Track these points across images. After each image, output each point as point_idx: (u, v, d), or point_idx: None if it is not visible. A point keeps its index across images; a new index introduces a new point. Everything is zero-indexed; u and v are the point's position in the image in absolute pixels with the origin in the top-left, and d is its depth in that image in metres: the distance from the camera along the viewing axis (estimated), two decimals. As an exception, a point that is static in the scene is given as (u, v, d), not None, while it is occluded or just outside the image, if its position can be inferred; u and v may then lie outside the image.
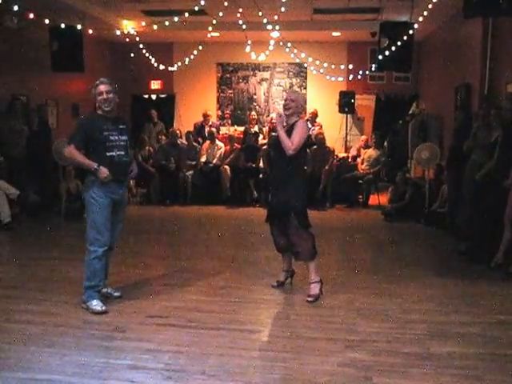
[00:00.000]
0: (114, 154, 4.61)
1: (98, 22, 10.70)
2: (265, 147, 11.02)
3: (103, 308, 4.58)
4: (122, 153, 4.68)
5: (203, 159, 11.01)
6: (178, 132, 11.48)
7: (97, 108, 4.70)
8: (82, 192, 5.01)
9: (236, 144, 11.35)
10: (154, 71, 12.04)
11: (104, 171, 4.51)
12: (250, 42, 10.54)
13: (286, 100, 5.14)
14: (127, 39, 11.25)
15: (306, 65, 13.34)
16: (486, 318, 4.59)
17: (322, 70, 11.65)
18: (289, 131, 4.95)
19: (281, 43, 10.86)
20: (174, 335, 4.12)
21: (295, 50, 11.16)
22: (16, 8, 8.03)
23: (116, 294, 5.00)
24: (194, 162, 11.03)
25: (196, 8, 9.11)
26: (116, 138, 4.64)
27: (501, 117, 6.58)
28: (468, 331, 4.28)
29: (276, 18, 9.74)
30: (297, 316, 4.66)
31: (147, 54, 11.41)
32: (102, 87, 4.61)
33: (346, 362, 3.69)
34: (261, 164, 10.86)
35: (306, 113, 4.71)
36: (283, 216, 5.03)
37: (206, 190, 10.95)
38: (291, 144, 4.85)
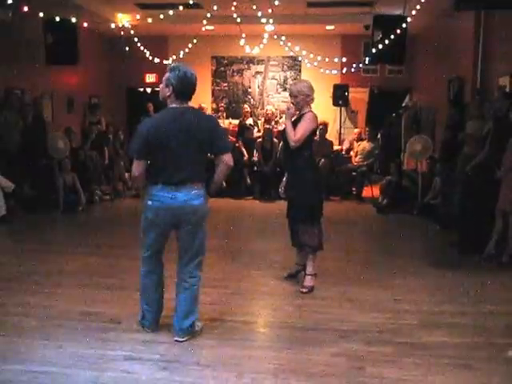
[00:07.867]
0: None
1: (92, 15, 10.67)
2: (259, 140, 11.05)
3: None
4: None
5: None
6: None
7: None
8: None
9: (231, 137, 11.35)
10: (149, 64, 12.02)
11: None
12: (244, 35, 10.56)
13: (291, 97, 5.07)
14: (122, 32, 11.23)
15: (300, 58, 13.34)
16: (478, 308, 4.65)
17: (315, 64, 11.67)
18: (296, 122, 4.96)
19: (275, 37, 10.87)
20: (168, 326, 4.15)
21: (289, 44, 11.19)
22: (10, 1, 7.99)
23: (199, 323, 4.12)
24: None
25: (190, 1, 9.12)
26: None
27: (493, 109, 6.64)
28: (459, 321, 4.35)
29: (270, 11, 9.75)
30: (290, 307, 4.70)
31: (142, 48, 11.40)
32: None
33: (340, 352, 3.73)
34: (255, 156, 10.88)
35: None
36: (291, 208, 5.15)
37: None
38: (294, 136, 4.87)
